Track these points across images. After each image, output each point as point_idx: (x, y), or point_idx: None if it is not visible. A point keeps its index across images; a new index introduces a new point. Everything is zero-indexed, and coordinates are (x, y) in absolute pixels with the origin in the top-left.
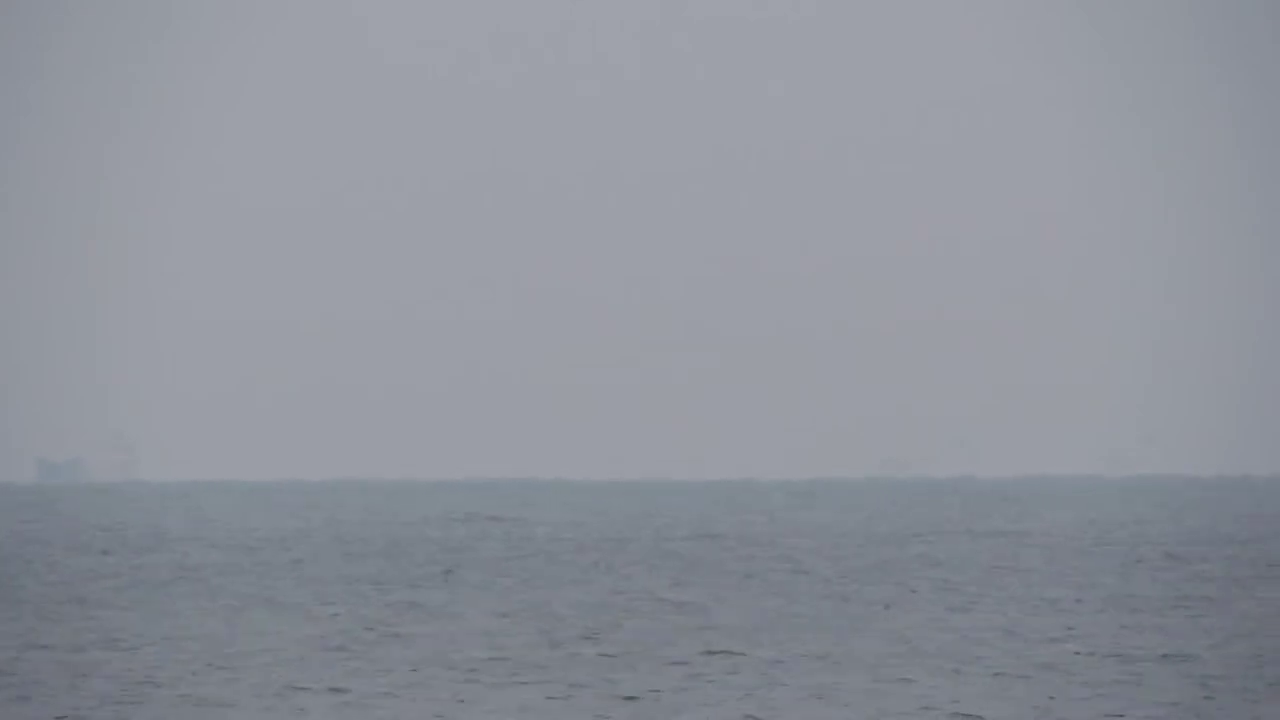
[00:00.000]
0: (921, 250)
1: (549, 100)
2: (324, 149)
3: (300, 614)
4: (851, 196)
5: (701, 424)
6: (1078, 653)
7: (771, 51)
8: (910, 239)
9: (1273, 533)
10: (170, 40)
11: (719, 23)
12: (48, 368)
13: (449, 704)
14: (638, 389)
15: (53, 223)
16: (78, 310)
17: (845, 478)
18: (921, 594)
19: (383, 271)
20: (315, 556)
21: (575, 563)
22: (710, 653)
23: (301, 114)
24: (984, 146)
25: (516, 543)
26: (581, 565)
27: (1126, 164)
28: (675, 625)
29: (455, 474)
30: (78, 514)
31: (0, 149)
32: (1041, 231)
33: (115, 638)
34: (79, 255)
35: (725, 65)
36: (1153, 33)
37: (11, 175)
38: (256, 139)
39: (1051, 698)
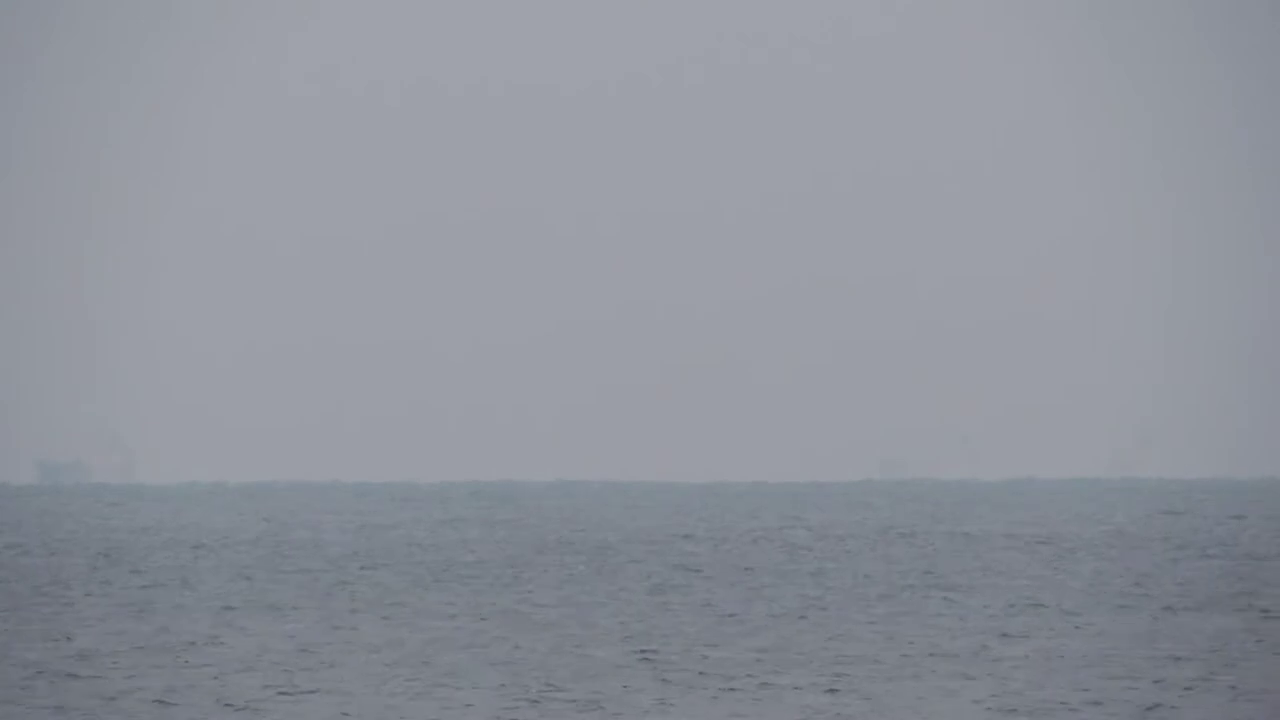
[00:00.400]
0: (921, 252)
1: (548, 111)
2: (323, 155)
3: (270, 614)
4: (854, 202)
5: (702, 425)
6: (1028, 655)
7: (783, 91)
8: (910, 241)
9: (1254, 534)
10: (177, 42)
11: (738, 60)
12: (48, 369)
13: (404, 703)
14: (636, 390)
15: (52, 224)
16: (78, 312)
17: (845, 479)
18: (878, 595)
19: (382, 274)
20: (293, 557)
21: (554, 564)
22: (674, 654)
23: (298, 121)
24: (984, 149)
25: (503, 544)
26: (561, 566)
27: (1125, 166)
28: (650, 627)
29: (455, 475)
30: (55, 516)
31: (1, 150)
32: (1041, 234)
33: (71, 639)
34: (79, 257)
35: (740, 97)
36: (1152, 36)
37: (12, 175)
38: (257, 142)
39: (973, 700)
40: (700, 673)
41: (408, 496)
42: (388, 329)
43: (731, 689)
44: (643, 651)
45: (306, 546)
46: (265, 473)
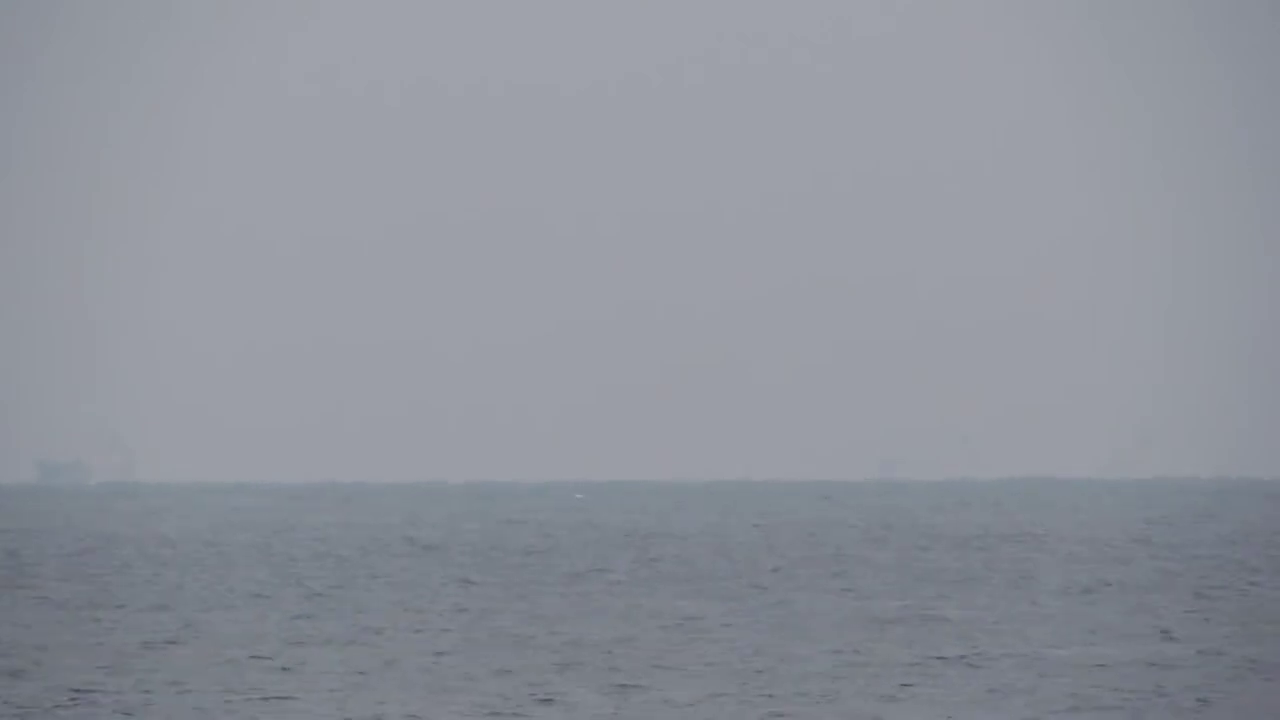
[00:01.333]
0: (921, 252)
1: (548, 111)
2: (323, 155)
3: (231, 612)
4: (854, 202)
5: (702, 425)
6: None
7: (783, 91)
8: (910, 241)
9: (1231, 534)
10: (177, 42)
11: (738, 60)
12: (48, 369)
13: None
14: (636, 390)
15: (52, 224)
16: (78, 312)
17: (845, 479)
18: (826, 596)
19: (382, 274)
20: (259, 556)
21: (524, 564)
22: (629, 658)
23: (298, 121)
24: (984, 149)
25: (484, 545)
26: (529, 565)
27: (1125, 167)
28: (614, 631)
29: (455, 476)
30: (39, 517)
31: (1, 150)
32: (1041, 234)
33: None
34: (79, 257)
35: (740, 97)
36: (1152, 36)
37: (12, 175)
38: (257, 142)
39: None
40: (648, 673)
41: (403, 496)
42: (388, 329)
43: (682, 688)
44: (607, 653)
45: (281, 543)
46: (265, 473)
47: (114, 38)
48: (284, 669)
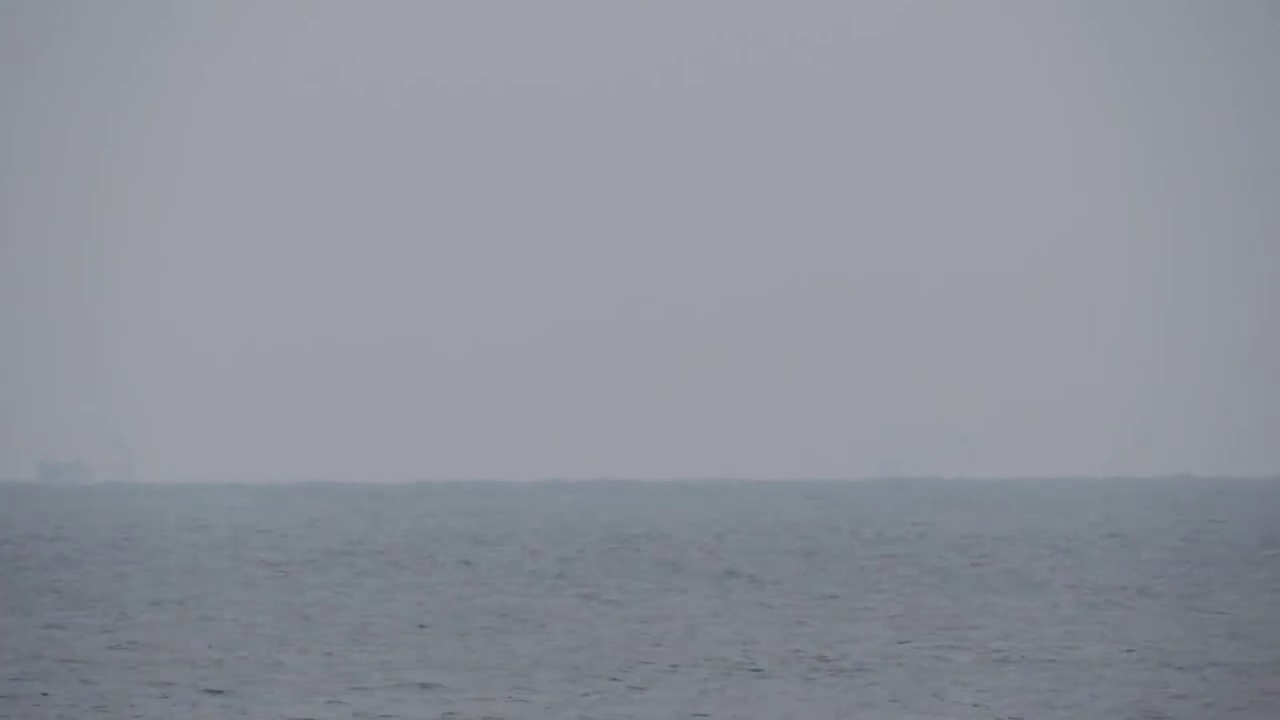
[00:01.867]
0: (921, 252)
1: (548, 111)
2: (323, 155)
3: (197, 612)
4: (854, 202)
5: (702, 425)
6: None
7: (783, 91)
8: (910, 241)
9: (1215, 532)
10: (177, 42)
11: (738, 60)
12: (48, 369)
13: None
14: (636, 390)
15: (52, 224)
16: (78, 312)
17: (845, 479)
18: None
19: (382, 274)
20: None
21: (499, 563)
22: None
23: (298, 121)
24: (984, 149)
25: (464, 542)
26: (508, 566)
27: (1125, 166)
28: (589, 627)
29: (455, 476)
30: (34, 515)
31: (1, 150)
32: (1041, 234)
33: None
34: (79, 257)
35: (740, 97)
36: (1152, 36)
37: (12, 175)
38: (257, 142)
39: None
40: (618, 674)
41: (399, 496)
42: (388, 329)
43: (642, 688)
44: (574, 652)
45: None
46: (265, 473)
47: (114, 38)
48: (259, 666)
